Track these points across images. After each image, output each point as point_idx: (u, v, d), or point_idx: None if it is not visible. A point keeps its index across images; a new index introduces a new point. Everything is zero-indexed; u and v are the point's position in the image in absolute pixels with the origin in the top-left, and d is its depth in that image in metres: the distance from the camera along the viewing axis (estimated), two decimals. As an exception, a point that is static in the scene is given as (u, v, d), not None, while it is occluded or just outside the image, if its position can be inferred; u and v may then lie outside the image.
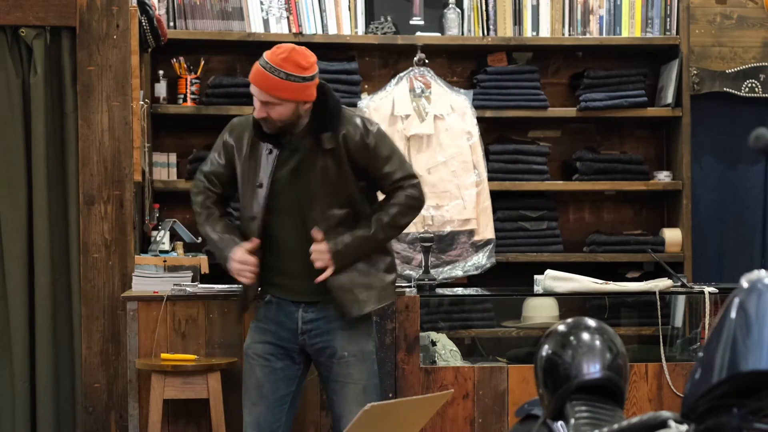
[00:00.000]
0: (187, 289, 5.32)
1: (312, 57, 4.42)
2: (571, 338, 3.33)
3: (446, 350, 5.61)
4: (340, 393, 4.53)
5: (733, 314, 2.36)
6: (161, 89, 6.81)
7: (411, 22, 6.99)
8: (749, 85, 7.00)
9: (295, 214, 4.50)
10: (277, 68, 4.32)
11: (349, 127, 4.47)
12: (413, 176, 4.57)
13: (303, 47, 4.46)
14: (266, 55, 4.38)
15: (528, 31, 6.97)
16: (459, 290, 6.14)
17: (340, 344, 4.52)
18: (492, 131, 7.12)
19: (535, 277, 5.74)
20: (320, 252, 4.44)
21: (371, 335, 4.63)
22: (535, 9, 6.97)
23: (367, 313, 4.55)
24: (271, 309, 4.62)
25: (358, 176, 4.49)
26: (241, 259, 4.50)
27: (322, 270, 4.48)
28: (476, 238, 6.72)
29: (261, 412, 4.54)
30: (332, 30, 6.85)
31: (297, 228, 4.51)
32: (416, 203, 4.55)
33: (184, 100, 6.82)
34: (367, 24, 6.92)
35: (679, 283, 5.75)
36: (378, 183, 4.57)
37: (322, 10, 6.85)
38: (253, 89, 4.43)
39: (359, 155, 4.47)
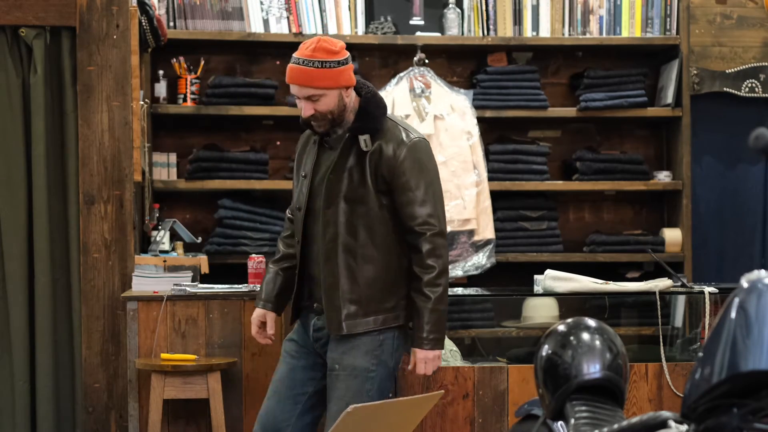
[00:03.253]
0: (187, 289, 5.32)
1: (340, 42, 4.31)
2: (571, 338, 3.33)
3: (446, 350, 5.61)
4: (329, 406, 4.34)
5: (733, 314, 2.36)
6: (161, 89, 6.81)
7: (411, 22, 6.99)
8: (749, 85, 7.00)
9: (320, 214, 4.35)
10: (309, 59, 4.23)
11: (389, 137, 4.30)
12: (432, 224, 4.28)
13: (328, 37, 4.40)
14: (296, 53, 4.29)
15: (528, 31, 6.97)
16: (459, 290, 6.14)
17: (333, 357, 4.33)
18: (492, 131, 7.12)
19: (535, 277, 5.73)
20: (423, 361, 4.31)
21: (371, 352, 4.31)
22: (535, 9, 6.97)
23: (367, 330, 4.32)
24: (304, 311, 4.53)
25: (380, 192, 4.29)
26: (254, 331, 4.56)
27: (337, 280, 4.32)
28: (476, 238, 6.71)
29: (271, 406, 4.41)
30: (332, 30, 6.85)
31: (320, 230, 4.35)
32: (435, 258, 4.26)
33: (184, 100, 6.82)
34: (367, 24, 6.92)
35: (679, 283, 5.75)
36: (399, 213, 4.32)
37: (322, 10, 6.85)
38: (293, 89, 4.29)
39: (387, 172, 4.27)
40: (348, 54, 4.31)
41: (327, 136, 4.36)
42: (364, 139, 4.27)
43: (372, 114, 4.30)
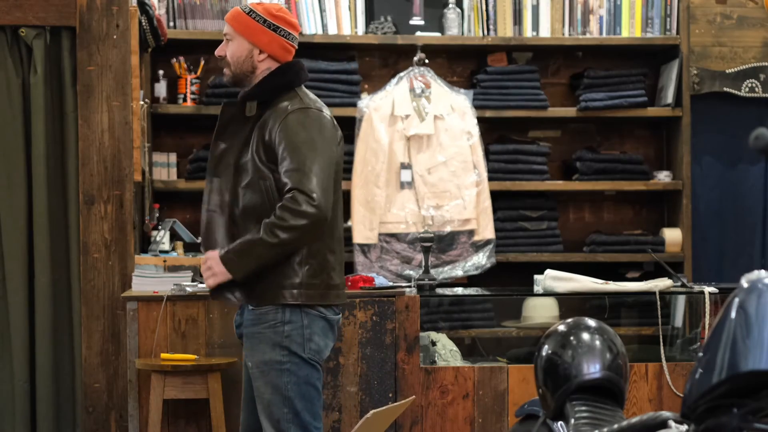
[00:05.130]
0: (187, 289, 5.32)
1: (288, 15, 4.24)
2: (571, 338, 3.34)
3: (446, 350, 5.61)
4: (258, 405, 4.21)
5: (733, 314, 2.37)
6: (161, 89, 6.81)
7: (411, 22, 6.99)
8: (749, 85, 7.00)
9: (211, 181, 4.22)
10: (246, 5, 4.23)
11: (280, 107, 4.11)
12: (299, 190, 3.98)
13: (286, 9, 4.34)
14: None
15: (528, 31, 6.97)
16: (459, 290, 6.14)
17: (246, 354, 4.19)
18: (492, 131, 7.12)
19: (535, 277, 5.74)
20: (210, 262, 4.08)
21: (278, 344, 4.09)
22: (535, 9, 6.97)
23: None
24: None
25: (263, 162, 4.09)
26: None
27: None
28: (476, 238, 6.72)
29: (243, 416, 4.33)
30: (332, 30, 6.85)
31: (208, 197, 4.22)
32: (291, 214, 3.97)
33: (184, 100, 6.82)
34: (367, 24, 6.92)
35: (679, 283, 5.75)
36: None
37: (322, 10, 6.85)
38: None
39: (270, 142, 4.09)
40: (288, 31, 4.21)
41: (231, 105, 4.26)
42: (250, 105, 4.17)
43: (268, 83, 4.17)
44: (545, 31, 6.98)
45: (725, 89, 6.99)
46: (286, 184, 4.03)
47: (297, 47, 4.27)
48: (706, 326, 5.58)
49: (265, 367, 4.10)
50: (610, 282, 5.70)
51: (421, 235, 5.83)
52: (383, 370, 5.30)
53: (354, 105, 6.74)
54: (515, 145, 7.06)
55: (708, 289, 5.57)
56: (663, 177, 7.05)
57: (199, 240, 6.49)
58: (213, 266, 4.09)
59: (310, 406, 4.11)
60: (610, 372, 3.26)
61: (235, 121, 4.23)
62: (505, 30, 6.96)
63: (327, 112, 4.20)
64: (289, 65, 4.23)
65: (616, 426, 2.90)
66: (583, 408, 3.21)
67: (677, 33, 7.00)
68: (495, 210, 6.86)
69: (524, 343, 6.27)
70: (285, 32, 4.22)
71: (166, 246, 6.11)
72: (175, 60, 6.81)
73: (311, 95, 4.22)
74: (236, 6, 4.30)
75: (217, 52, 4.26)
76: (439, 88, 6.79)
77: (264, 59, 4.20)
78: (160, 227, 6.15)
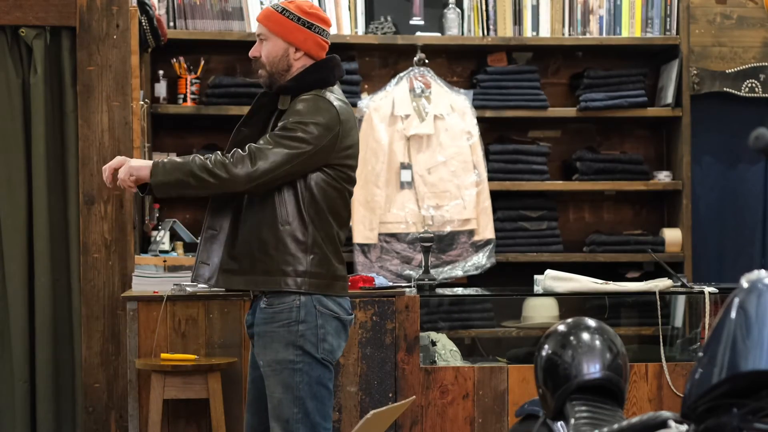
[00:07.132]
0: (187, 289, 5.32)
1: (320, 12, 4.25)
2: (571, 338, 3.34)
3: (446, 350, 5.62)
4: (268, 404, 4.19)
5: (733, 314, 2.37)
6: (161, 89, 6.81)
7: (411, 22, 6.99)
8: (749, 85, 7.00)
9: None
10: (279, 4, 4.23)
11: (301, 97, 4.14)
12: (248, 154, 4.00)
13: (318, 6, 4.34)
14: None
15: (528, 31, 6.97)
16: (459, 290, 6.14)
17: (257, 353, 4.17)
18: (492, 131, 7.13)
19: (535, 277, 5.74)
20: (129, 161, 4.06)
21: (292, 344, 4.08)
22: (535, 9, 6.97)
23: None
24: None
25: None
26: None
27: (218, 234, 4.15)
28: (476, 238, 6.72)
29: (248, 418, 4.30)
30: (332, 30, 6.80)
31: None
32: (222, 165, 3.98)
33: (184, 100, 6.82)
34: (367, 24, 6.92)
35: (679, 283, 5.76)
36: None
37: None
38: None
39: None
40: (322, 27, 4.23)
41: (265, 96, 4.26)
42: (283, 99, 4.17)
43: (303, 79, 4.17)
44: (545, 31, 6.98)
45: (725, 89, 6.99)
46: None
47: (330, 43, 4.28)
48: (706, 326, 5.58)
49: (278, 366, 4.09)
50: (610, 282, 5.70)
51: (421, 235, 5.83)
52: (383, 370, 5.30)
53: (354, 105, 6.73)
54: (515, 145, 7.06)
55: (708, 289, 5.57)
56: (663, 177, 7.05)
57: (198, 240, 6.51)
58: (128, 168, 4.03)
59: (321, 406, 4.10)
60: (610, 372, 3.26)
61: (264, 111, 4.23)
62: (505, 30, 6.96)
63: (345, 105, 4.16)
64: (325, 62, 4.24)
65: (616, 426, 2.90)
66: (583, 408, 3.22)
67: (677, 33, 7.00)
68: (495, 210, 6.87)
69: (524, 343, 6.28)
70: (319, 29, 4.23)
71: (166, 246, 6.11)
72: (175, 60, 6.81)
73: (338, 92, 4.20)
74: (268, 6, 4.29)
75: (252, 53, 4.24)
76: (439, 88, 6.79)
77: (300, 57, 4.20)
78: (160, 227, 6.15)
